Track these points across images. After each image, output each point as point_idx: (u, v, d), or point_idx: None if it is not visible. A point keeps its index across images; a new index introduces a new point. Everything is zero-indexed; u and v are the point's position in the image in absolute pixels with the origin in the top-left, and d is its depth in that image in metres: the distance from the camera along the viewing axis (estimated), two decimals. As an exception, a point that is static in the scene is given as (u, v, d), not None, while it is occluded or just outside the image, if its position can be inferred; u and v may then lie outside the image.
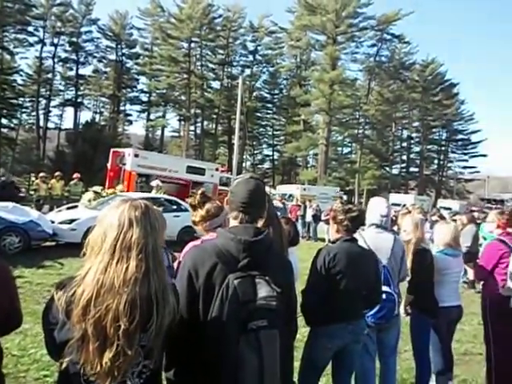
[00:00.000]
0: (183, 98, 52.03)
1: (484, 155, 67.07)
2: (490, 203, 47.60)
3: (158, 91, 52.61)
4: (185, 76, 49.99)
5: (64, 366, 1.46)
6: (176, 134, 58.77)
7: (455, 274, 3.82)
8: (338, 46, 49.19)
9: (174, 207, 12.85)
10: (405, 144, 67.39)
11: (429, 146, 67.02)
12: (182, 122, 55.98)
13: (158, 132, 59.25)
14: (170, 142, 59.03)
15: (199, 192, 2.67)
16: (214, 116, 54.62)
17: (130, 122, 56.12)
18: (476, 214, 15.55)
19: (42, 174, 16.96)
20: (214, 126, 56.49)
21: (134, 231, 1.49)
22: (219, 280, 1.69)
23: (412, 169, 67.46)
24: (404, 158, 67.53)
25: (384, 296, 3.17)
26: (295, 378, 3.22)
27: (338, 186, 45.56)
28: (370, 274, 2.96)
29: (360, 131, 56.29)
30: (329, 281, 2.82)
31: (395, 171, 64.76)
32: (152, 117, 56.13)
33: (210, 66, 54.32)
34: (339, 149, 64.51)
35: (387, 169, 61.86)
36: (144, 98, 55.29)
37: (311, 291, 2.86)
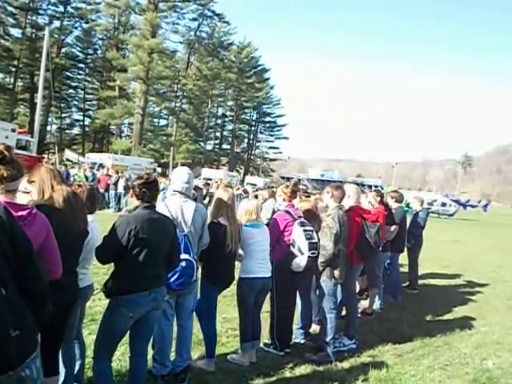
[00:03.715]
0: (-29, 41, 43.93)
1: (286, 138, 75.44)
2: (289, 181, 53.22)
3: None
4: (-26, 15, 42.09)
5: None
6: (-40, 84, 49.44)
7: (260, 243, 4.11)
8: (159, 13, 47.90)
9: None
10: (219, 121, 70.52)
11: (240, 126, 71.70)
12: (-31, 71, 47.41)
13: None
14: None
15: (3, 145, 2.20)
16: (13, 69, 47.66)
17: None
18: (275, 190, 17.30)
19: None
20: (12, 81, 49.34)
21: None
22: None
23: (224, 146, 71.31)
24: (218, 134, 70.72)
25: (184, 264, 3.27)
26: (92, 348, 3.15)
27: (153, 157, 45.16)
28: (169, 240, 3.04)
29: (177, 104, 56.43)
30: (131, 249, 2.81)
31: (209, 147, 67.36)
32: None
33: (10, 9, 46.90)
34: (155, 120, 63.65)
35: (202, 144, 63.79)
36: None
37: (105, 253, 2.90)
